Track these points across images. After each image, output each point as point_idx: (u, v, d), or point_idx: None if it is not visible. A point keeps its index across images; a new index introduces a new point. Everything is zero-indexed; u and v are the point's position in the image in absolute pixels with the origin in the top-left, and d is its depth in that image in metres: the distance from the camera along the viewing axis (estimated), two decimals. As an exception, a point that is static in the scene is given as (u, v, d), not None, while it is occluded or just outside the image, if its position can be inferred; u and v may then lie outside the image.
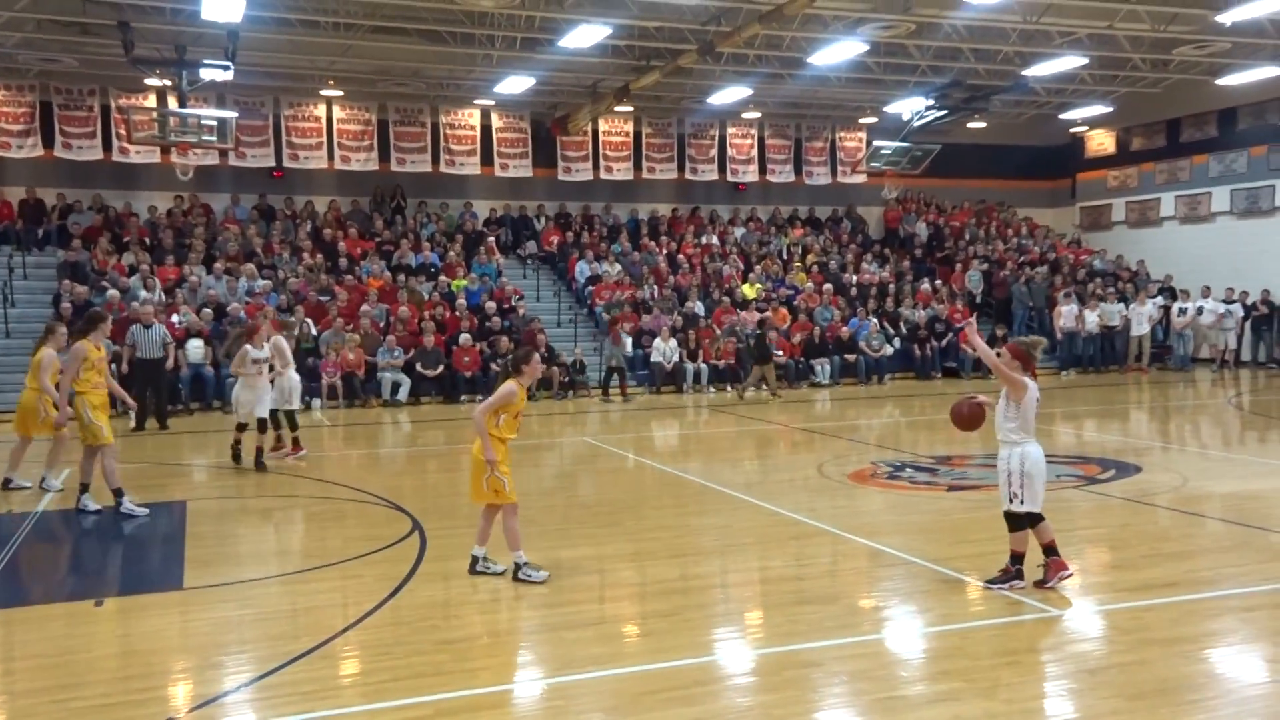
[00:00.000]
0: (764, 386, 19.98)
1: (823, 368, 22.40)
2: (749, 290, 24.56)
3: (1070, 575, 6.89)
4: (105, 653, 6.04)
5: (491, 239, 24.55)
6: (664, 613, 6.71)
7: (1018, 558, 6.92)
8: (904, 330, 23.83)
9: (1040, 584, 6.84)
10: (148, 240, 21.91)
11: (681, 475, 11.93)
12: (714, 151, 27.13)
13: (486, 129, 25.07)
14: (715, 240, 26.70)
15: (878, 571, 7.75)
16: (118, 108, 21.27)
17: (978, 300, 25.97)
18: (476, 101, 24.44)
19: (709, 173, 27.20)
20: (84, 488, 9.86)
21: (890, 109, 25.52)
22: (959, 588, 7.13)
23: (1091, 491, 10.37)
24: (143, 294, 19.47)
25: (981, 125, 27.65)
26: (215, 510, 10.14)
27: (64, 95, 21.74)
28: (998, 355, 6.94)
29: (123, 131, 21.10)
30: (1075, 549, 7.93)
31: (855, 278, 25.85)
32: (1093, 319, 24.17)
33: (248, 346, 12.27)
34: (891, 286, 25.38)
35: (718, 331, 22.41)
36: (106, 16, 17.07)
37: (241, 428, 12.48)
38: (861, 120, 27.74)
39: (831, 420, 18.03)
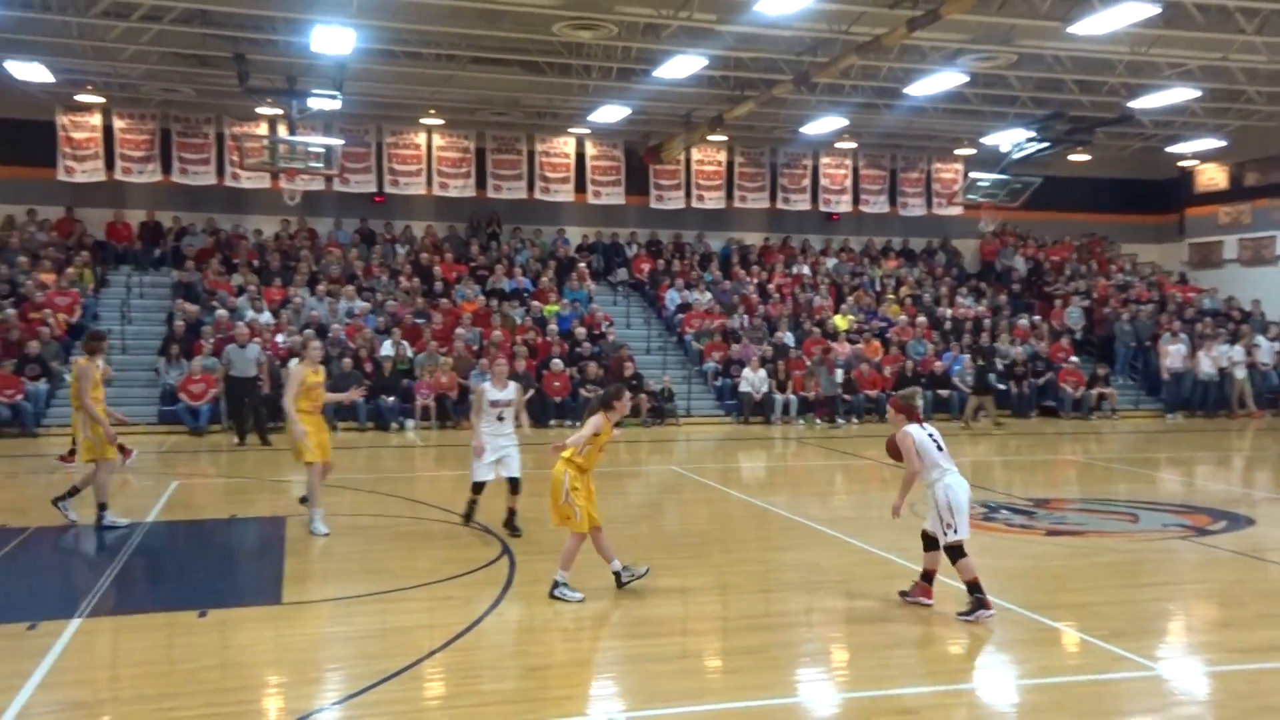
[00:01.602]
0: (982, 415, 20.72)
1: (914, 402, 21.94)
2: (841, 321, 24.31)
3: (930, 605, 7.41)
4: (207, 663, 6.24)
5: (583, 265, 24.83)
6: (750, 649, 6.65)
7: (974, 585, 7.17)
8: (999, 366, 23.25)
9: (902, 594, 7.59)
10: (255, 262, 22.75)
11: (768, 508, 11.83)
12: (807, 181, 27.03)
13: (581, 157, 25.44)
14: (807, 270, 26.53)
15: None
16: (231, 135, 22.24)
17: (1077, 337, 25.22)
18: (571, 130, 24.82)
19: (801, 202, 27.08)
20: (102, 507, 9.93)
21: (988, 140, 25.08)
22: (1056, 638, 6.91)
23: (1200, 543, 9.95)
24: (249, 313, 20.20)
25: (1085, 158, 26.96)
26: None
27: (182, 124, 22.80)
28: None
29: (235, 158, 22.01)
30: (1182, 603, 7.62)
31: (950, 311, 25.38)
32: (1207, 362, 23.14)
33: (485, 385, 9.76)
34: (987, 321, 24.84)
35: (808, 363, 22.22)
36: (224, 49, 17.86)
37: (479, 487, 9.92)
38: (958, 151, 27.33)
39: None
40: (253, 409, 17.10)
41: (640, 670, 6.21)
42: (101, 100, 21.81)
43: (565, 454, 7.63)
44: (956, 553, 7.27)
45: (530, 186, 25.19)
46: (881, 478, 15.12)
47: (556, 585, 7.59)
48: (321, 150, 19.39)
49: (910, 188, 27.82)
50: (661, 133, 24.52)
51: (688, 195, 26.20)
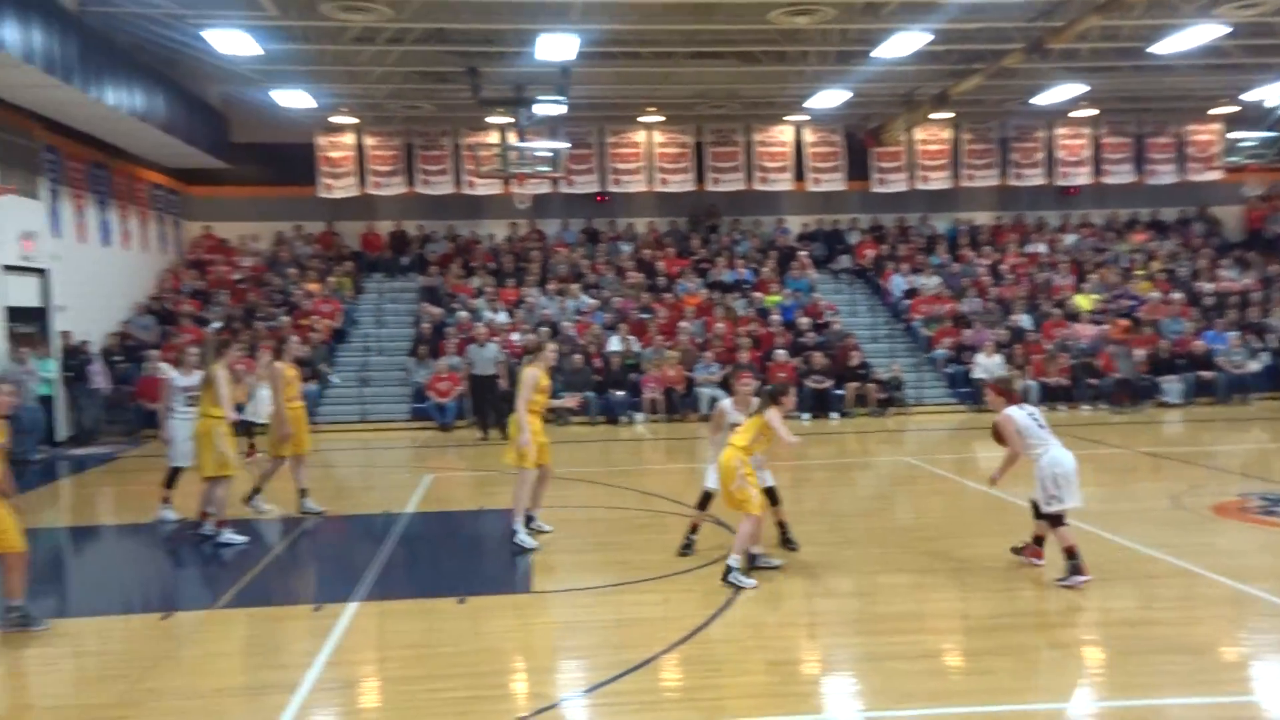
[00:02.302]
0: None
1: (1172, 386, 20.35)
2: (1083, 301, 22.84)
3: (1040, 565, 8.10)
4: (467, 648, 6.66)
5: (803, 254, 24.59)
6: (998, 650, 6.40)
7: (1071, 553, 7.72)
8: (1273, 343, 21.14)
9: (1014, 550, 8.39)
10: (491, 264, 23.99)
11: (1009, 500, 11.31)
12: (1040, 154, 25.55)
13: (799, 144, 25.18)
14: (1043, 248, 25.10)
15: (1248, 621, 6.95)
16: (466, 146, 23.61)
17: (1366, 308, 22.54)
18: (789, 118, 24.59)
19: (1035, 177, 25.63)
20: (205, 515, 9.88)
21: (1251, 96, 22.77)
22: (1353, 647, 6.24)
23: None
24: (487, 314, 21.33)
25: (1369, 107, 24.00)
26: (553, 519, 10.83)
27: (423, 138, 24.36)
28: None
29: (470, 167, 23.30)
30: None
31: (1211, 285, 23.29)
32: None
33: (725, 405, 8.91)
34: (1256, 295, 22.62)
35: (1048, 346, 21.02)
36: (458, 64, 18.92)
37: (706, 501, 8.92)
38: (1215, 111, 24.97)
39: (1184, 445, 16.37)
40: (493, 405, 18.01)
41: (884, 669, 6.11)
42: (354, 121, 23.65)
43: (736, 441, 7.97)
44: (1056, 521, 7.87)
45: (748, 177, 25.18)
46: (1137, 467, 14.13)
47: (730, 571, 7.77)
48: (548, 154, 20.20)
49: (1159, 154, 25.72)
50: (882, 114, 23.86)
51: (911, 177, 25.40)
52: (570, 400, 12.66)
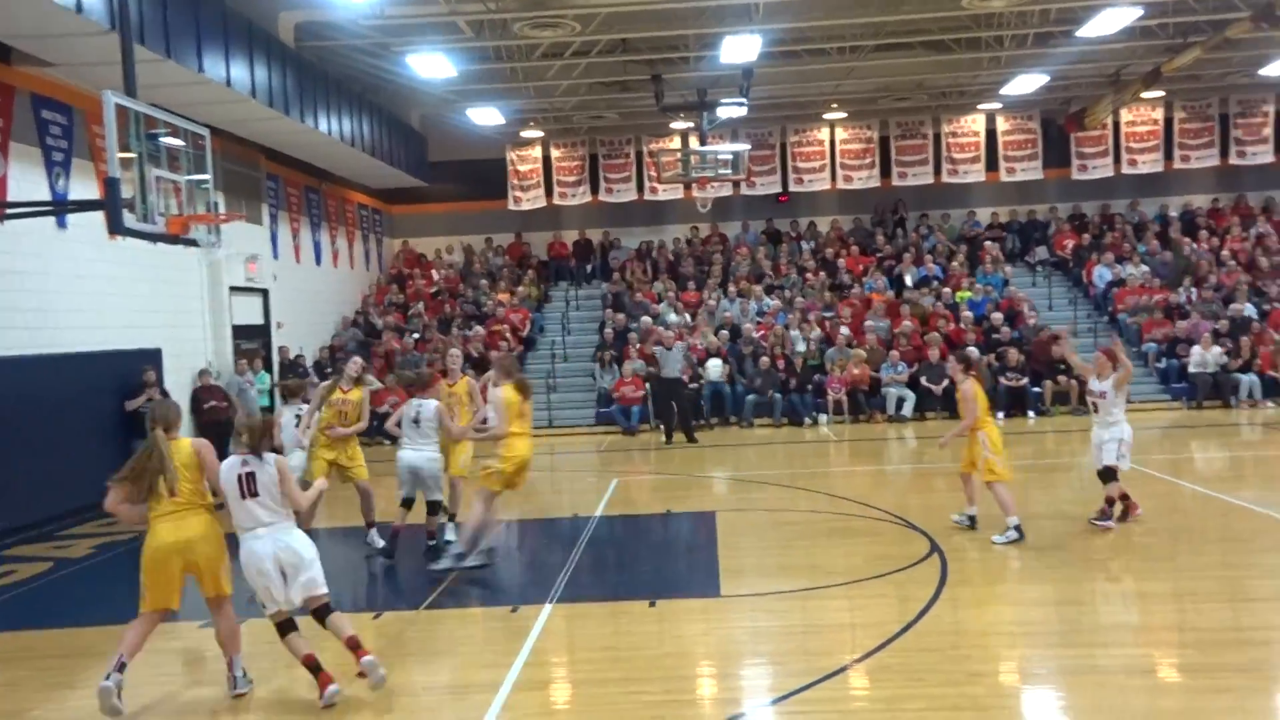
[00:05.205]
0: None
1: None
2: (1316, 287, 20.83)
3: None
4: (660, 651, 6.70)
5: (989, 243, 23.54)
6: (1231, 667, 5.88)
7: (1110, 501, 9.41)
8: None
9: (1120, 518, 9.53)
10: (674, 269, 24.19)
11: (1235, 503, 10.43)
12: (1269, 130, 23.49)
13: (991, 133, 24.15)
14: (1271, 231, 23.03)
15: None
16: (649, 153, 23.95)
17: None
18: (980, 107, 23.62)
19: (1262, 155, 23.58)
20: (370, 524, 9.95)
21: None
22: None
23: None
24: (671, 317, 21.52)
25: None
26: (740, 522, 10.80)
27: (607, 147, 24.87)
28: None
29: (653, 173, 23.59)
30: None
31: None
32: None
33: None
34: None
35: (1276, 337, 19.28)
36: (642, 73, 19.22)
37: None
38: None
39: None
40: (680, 407, 18.09)
41: (1098, 683, 5.73)
42: (541, 134, 24.41)
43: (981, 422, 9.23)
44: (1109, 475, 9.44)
45: (937, 170, 24.36)
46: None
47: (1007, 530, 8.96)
48: (730, 157, 20.19)
49: (1406, 121, 23.14)
50: (1085, 96, 22.56)
51: (1116, 161, 23.89)
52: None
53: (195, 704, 6.20)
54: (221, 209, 15.06)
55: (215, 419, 15.35)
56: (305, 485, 8.05)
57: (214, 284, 17.10)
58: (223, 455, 6.28)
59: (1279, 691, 5.63)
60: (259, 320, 18.85)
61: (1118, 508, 9.53)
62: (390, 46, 17.04)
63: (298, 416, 9.97)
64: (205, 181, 10.73)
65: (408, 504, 9.61)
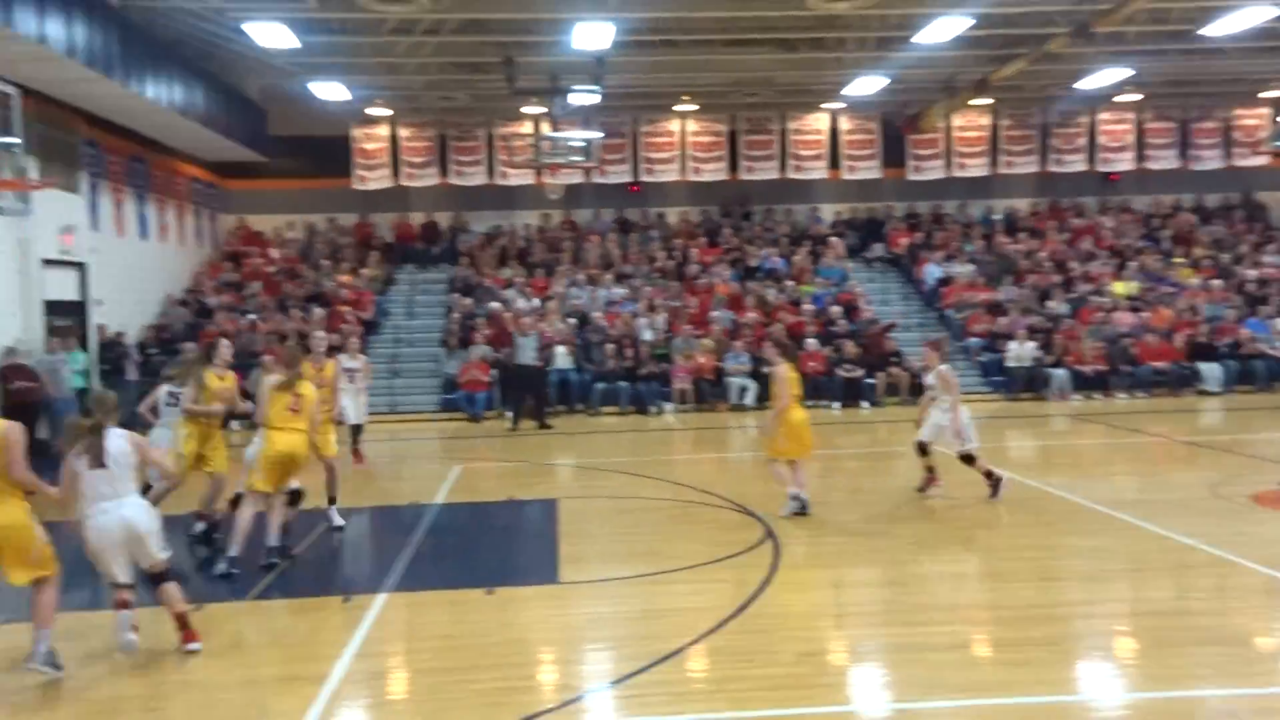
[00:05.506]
0: None
1: (1212, 373, 20.00)
2: (1120, 288, 22.48)
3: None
4: (496, 639, 6.66)
5: (834, 239, 24.40)
6: (1036, 641, 6.30)
7: (989, 474, 10.51)
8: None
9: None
10: (522, 255, 24.00)
11: (1045, 489, 11.16)
12: (1082, 140, 25.15)
13: (834, 132, 24.96)
14: (1082, 235, 24.71)
15: (1291, 614, 6.80)
16: (500, 137, 23.62)
17: None
18: (824, 106, 24.38)
19: (1076, 163, 25.24)
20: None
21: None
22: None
23: None
24: (520, 303, 21.36)
25: None
26: (583, 509, 10.84)
27: (457, 129, 24.40)
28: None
29: (504, 158, 23.32)
30: None
31: (1254, 272, 22.83)
32: None
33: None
34: (1301, 281, 22.15)
35: (1083, 333, 20.72)
36: (494, 55, 18.91)
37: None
38: (1265, 94, 24.43)
39: (1225, 433, 16.07)
40: (535, 394, 17.97)
41: (917, 660, 6.04)
42: (389, 113, 23.73)
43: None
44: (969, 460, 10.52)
45: (782, 166, 25.00)
46: (1175, 456, 13.90)
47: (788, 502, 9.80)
48: (582, 144, 20.14)
49: (1205, 139, 25.20)
50: (920, 101, 23.58)
51: (948, 164, 25.09)
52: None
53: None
54: (33, 175, 14.03)
55: (24, 400, 14.33)
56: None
57: (23, 255, 15.88)
58: (32, 438, 5.94)
59: (1077, 662, 6.04)
60: (75, 296, 17.63)
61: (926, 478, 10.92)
62: (226, 12, 16.20)
63: (171, 394, 9.57)
64: (14, 145, 9.98)
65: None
